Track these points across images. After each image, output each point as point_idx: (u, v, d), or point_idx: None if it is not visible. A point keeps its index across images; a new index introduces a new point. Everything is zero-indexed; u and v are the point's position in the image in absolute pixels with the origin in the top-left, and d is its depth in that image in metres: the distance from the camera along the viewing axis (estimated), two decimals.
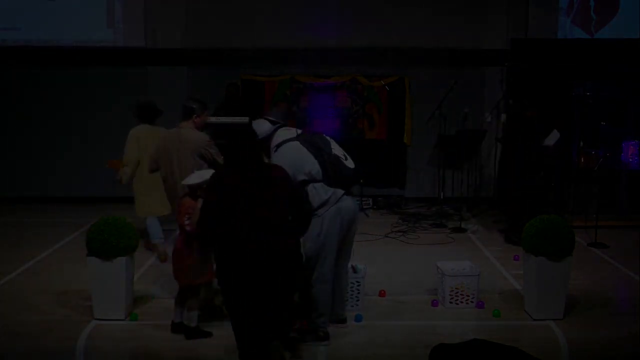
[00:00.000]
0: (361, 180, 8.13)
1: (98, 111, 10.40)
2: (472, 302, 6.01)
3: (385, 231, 8.84)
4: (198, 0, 10.56)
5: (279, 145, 5.16)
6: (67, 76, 10.48)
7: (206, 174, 5.18)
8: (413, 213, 9.97)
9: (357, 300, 5.90)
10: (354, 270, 5.88)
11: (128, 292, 5.78)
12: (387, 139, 10.79)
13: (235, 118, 8.06)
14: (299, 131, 5.33)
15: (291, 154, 5.08)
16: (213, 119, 7.31)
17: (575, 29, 10.56)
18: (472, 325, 5.70)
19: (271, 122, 5.34)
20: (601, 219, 8.42)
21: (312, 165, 5.09)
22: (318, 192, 5.08)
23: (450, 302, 6.01)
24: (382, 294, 6.34)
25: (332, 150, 5.23)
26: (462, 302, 6.01)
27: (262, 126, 5.26)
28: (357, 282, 5.88)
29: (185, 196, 5.29)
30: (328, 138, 5.34)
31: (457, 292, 6.00)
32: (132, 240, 5.68)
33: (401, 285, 6.63)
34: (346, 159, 5.27)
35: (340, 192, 5.18)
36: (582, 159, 9.09)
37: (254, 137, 4.58)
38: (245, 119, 7.59)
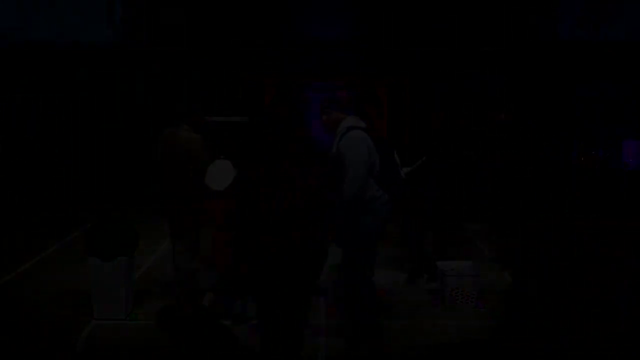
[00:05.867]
0: None
1: (96, 110, 10.41)
2: (472, 302, 6.02)
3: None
4: (198, 0, 10.57)
5: (350, 128, 5.08)
6: (67, 76, 10.49)
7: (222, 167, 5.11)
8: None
9: None
10: None
11: (128, 292, 5.78)
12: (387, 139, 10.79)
13: (234, 117, 8.07)
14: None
15: (363, 139, 5.01)
16: (213, 119, 7.31)
17: (576, 30, 10.56)
18: (472, 325, 5.70)
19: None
20: (601, 219, 8.42)
21: (376, 159, 5.04)
22: (371, 186, 5.00)
23: (450, 302, 6.02)
24: (381, 293, 6.34)
25: (395, 156, 5.29)
26: (462, 302, 6.02)
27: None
28: None
29: (213, 197, 5.21)
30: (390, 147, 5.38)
31: (457, 292, 6.01)
32: (132, 240, 5.69)
33: (401, 285, 6.63)
34: (401, 168, 5.28)
35: (386, 197, 5.09)
36: (582, 159, 9.10)
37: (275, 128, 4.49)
38: (245, 119, 7.60)
